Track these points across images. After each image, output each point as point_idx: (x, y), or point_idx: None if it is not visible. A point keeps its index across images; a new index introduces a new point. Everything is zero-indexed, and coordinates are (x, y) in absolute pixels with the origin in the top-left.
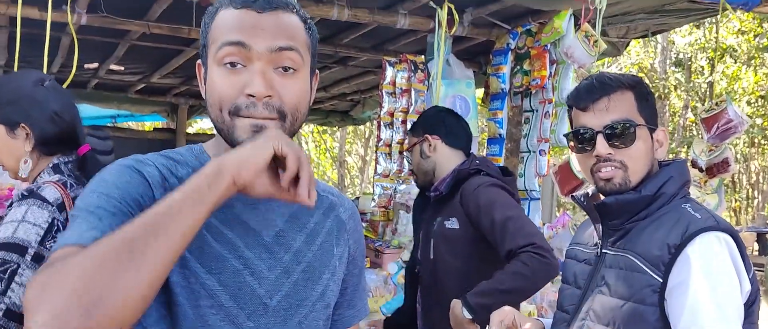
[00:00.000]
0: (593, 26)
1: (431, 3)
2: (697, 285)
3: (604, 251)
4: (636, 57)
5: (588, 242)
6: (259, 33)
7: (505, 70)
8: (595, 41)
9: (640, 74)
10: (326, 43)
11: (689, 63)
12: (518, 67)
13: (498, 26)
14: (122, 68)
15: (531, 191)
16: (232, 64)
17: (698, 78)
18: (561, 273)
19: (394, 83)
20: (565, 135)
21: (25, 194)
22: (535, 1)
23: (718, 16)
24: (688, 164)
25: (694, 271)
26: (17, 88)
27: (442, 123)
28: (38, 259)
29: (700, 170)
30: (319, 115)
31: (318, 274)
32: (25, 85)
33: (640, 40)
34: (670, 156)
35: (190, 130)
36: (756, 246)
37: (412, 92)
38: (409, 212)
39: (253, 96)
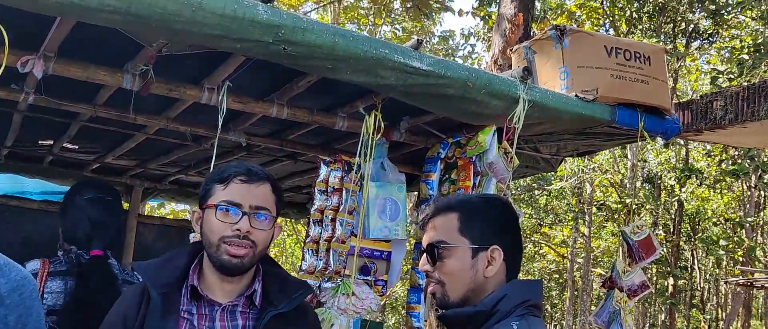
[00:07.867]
0: (511, 144)
1: (361, 110)
2: None
3: None
4: (605, 173)
5: None
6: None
7: (434, 177)
8: (511, 158)
9: (610, 189)
10: (273, 138)
11: (659, 181)
12: (446, 175)
13: (434, 135)
14: (76, 147)
15: None
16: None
17: (667, 197)
18: None
19: (326, 182)
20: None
21: None
22: (462, 117)
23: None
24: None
25: None
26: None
27: None
28: None
29: (620, 289)
30: None
31: None
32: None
33: (602, 158)
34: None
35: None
36: None
37: (344, 192)
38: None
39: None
